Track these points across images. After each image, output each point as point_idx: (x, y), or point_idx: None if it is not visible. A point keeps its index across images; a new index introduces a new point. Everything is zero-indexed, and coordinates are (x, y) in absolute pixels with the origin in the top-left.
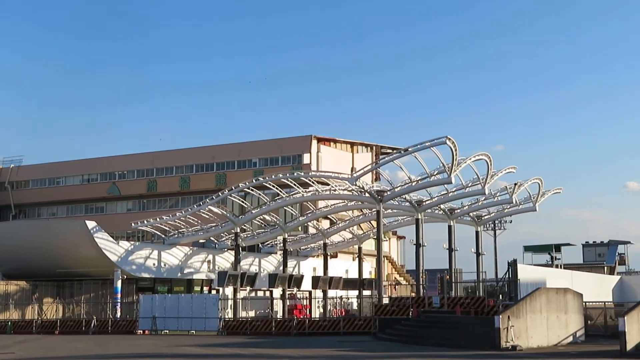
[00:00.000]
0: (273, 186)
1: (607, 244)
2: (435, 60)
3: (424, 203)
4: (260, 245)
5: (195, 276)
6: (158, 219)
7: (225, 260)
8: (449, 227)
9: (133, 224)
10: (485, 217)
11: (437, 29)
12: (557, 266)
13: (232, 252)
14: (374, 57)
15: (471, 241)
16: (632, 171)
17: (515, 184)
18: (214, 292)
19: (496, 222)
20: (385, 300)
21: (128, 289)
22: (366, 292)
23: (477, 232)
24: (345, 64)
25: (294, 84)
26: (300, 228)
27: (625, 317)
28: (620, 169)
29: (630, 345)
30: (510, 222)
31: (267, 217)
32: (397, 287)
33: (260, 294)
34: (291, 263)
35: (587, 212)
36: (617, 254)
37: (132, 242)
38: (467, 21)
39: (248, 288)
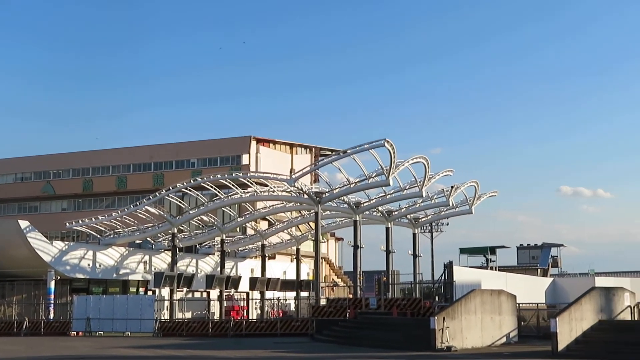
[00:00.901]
0: (211, 187)
1: (540, 247)
2: (374, 61)
3: (362, 205)
4: (197, 246)
5: (131, 277)
6: (93, 219)
7: (162, 261)
8: (387, 229)
9: (68, 224)
10: (423, 219)
11: (372, 27)
12: (492, 268)
13: (169, 253)
14: (312, 58)
15: (408, 243)
16: (566, 176)
17: (452, 187)
18: (150, 293)
19: (433, 224)
20: (323, 302)
21: (62, 290)
22: (304, 294)
23: (414, 234)
24: (286, 65)
25: (234, 84)
26: (238, 229)
27: (557, 318)
28: (554, 173)
29: (561, 345)
30: (447, 224)
31: (205, 218)
32: (334, 288)
33: (197, 295)
34: (229, 264)
35: (522, 215)
36: (550, 256)
37: (66, 242)
38: (402, 19)
39: (185, 289)
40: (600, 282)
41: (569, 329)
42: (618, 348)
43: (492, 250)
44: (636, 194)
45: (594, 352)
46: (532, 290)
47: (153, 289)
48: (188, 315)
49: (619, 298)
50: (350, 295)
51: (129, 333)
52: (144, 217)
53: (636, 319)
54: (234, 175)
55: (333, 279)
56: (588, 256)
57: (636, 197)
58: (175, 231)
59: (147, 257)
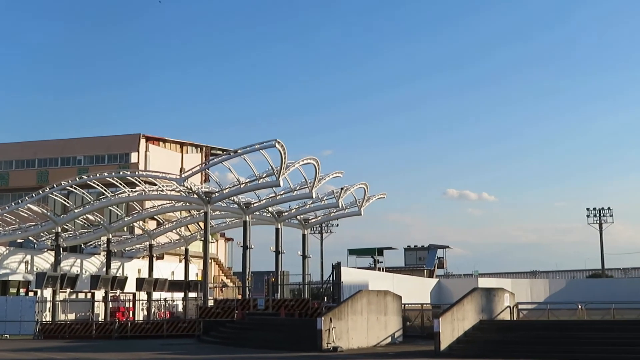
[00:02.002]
0: (98, 185)
1: (427, 248)
2: (267, 63)
3: (252, 205)
4: (82, 246)
5: (11, 277)
6: None
7: (44, 261)
8: (277, 229)
9: None
10: (312, 220)
11: (271, 31)
12: (379, 269)
13: (52, 253)
14: (205, 57)
15: (298, 244)
16: (452, 179)
17: (342, 189)
18: (31, 294)
19: (323, 225)
20: (211, 303)
21: None
22: (192, 295)
23: (304, 235)
24: (177, 63)
25: (123, 81)
26: (125, 229)
27: (440, 319)
28: (440, 176)
29: (444, 345)
30: (337, 225)
31: (91, 217)
32: (224, 289)
33: (81, 296)
34: (115, 264)
35: (410, 217)
36: (436, 257)
37: None
38: (299, 25)
39: (68, 290)
40: (483, 283)
41: (452, 328)
42: (498, 347)
43: (380, 251)
44: (518, 197)
45: (474, 351)
46: (418, 290)
47: (35, 289)
48: (71, 316)
49: (499, 298)
50: (240, 296)
51: (8, 336)
52: (26, 215)
53: (515, 318)
54: (121, 173)
55: (222, 280)
56: (473, 258)
57: (518, 200)
58: (59, 230)
59: (28, 257)
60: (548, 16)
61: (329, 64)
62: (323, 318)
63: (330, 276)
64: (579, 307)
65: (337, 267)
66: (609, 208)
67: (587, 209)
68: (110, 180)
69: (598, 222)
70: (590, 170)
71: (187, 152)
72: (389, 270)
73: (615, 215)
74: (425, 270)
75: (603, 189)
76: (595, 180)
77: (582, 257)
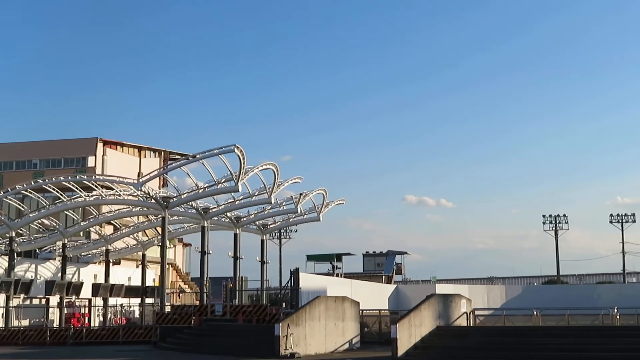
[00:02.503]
0: (54, 189)
1: (385, 254)
2: (227, 71)
3: (211, 210)
4: (37, 251)
5: None
6: None
7: None
8: (235, 235)
9: None
10: (271, 225)
11: (230, 41)
12: (338, 275)
13: (6, 258)
14: (165, 64)
15: (257, 249)
16: (411, 185)
17: (301, 194)
18: None
19: (282, 231)
20: (169, 309)
21: None
22: (149, 300)
23: (262, 241)
24: (139, 70)
25: (81, 86)
26: (82, 233)
27: (398, 325)
28: (399, 182)
29: (401, 351)
30: (296, 231)
31: (46, 222)
32: (181, 295)
33: (36, 302)
34: (70, 270)
35: (369, 223)
36: (394, 263)
37: None
38: (257, 35)
39: (22, 296)
40: (441, 289)
41: (409, 334)
42: (454, 353)
43: (339, 257)
44: (476, 204)
45: (431, 357)
46: (376, 296)
47: None
48: (25, 323)
49: (456, 305)
50: (197, 302)
51: None
52: None
53: (472, 324)
54: (78, 177)
55: (180, 286)
56: (431, 263)
57: (476, 207)
58: (14, 235)
59: None
60: (502, 31)
61: (287, 72)
62: (281, 324)
63: (288, 282)
64: (535, 313)
65: (295, 273)
66: (564, 215)
67: (543, 216)
68: (67, 184)
69: (554, 228)
70: (547, 178)
71: (145, 157)
72: (348, 276)
73: (571, 222)
74: (383, 276)
75: (559, 196)
76: (552, 188)
77: (538, 263)
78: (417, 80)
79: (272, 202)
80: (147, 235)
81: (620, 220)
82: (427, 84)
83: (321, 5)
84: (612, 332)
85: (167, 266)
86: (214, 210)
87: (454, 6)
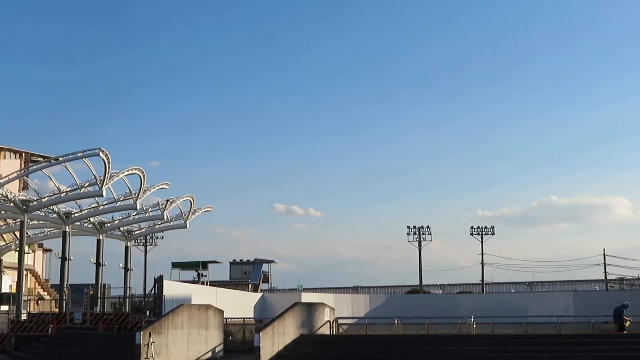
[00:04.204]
0: None
1: (252, 262)
2: (96, 70)
3: (73, 215)
4: None
5: None
6: None
7: None
8: (98, 240)
9: None
10: (136, 232)
11: (103, 38)
12: (203, 283)
13: None
14: (29, 61)
15: (122, 256)
16: (279, 194)
17: (168, 201)
18: None
19: (147, 237)
20: (25, 316)
21: None
22: (4, 307)
23: (126, 247)
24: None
25: None
26: None
27: (261, 333)
28: (268, 191)
29: (264, 359)
30: (162, 238)
31: None
32: (40, 302)
33: None
34: None
35: (237, 231)
36: (261, 272)
37: None
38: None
39: None
40: (307, 297)
41: (272, 343)
42: None
43: (205, 265)
44: (344, 214)
45: None
46: (241, 305)
47: None
48: None
49: (319, 313)
50: (57, 310)
51: None
52: None
53: (335, 333)
54: None
55: (38, 292)
56: (298, 272)
57: (344, 217)
58: None
59: None
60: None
61: (155, 70)
62: (142, 332)
63: (151, 289)
64: (396, 321)
65: (159, 281)
66: (428, 226)
67: (408, 227)
68: None
69: (417, 239)
70: (413, 190)
71: (4, 158)
72: (214, 284)
73: (434, 234)
74: (250, 285)
75: (424, 208)
76: (417, 200)
77: (402, 273)
78: (289, 88)
79: (138, 207)
80: (4, 240)
81: (480, 233)
82: (295, 93)
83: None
84: (467, 341)
85: (25, 272)
86: (76, 215)
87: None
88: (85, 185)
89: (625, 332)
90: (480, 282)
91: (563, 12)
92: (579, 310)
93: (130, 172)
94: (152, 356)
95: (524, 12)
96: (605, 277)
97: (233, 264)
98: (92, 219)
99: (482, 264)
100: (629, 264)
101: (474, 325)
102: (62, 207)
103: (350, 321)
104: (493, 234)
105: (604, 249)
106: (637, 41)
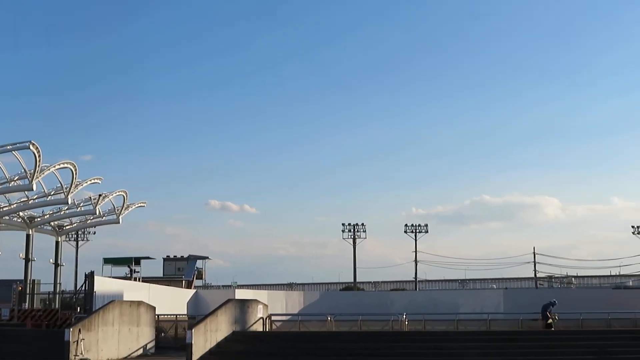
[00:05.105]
0: None
1: (186, 259)
2: (26, 64)
3: (1, 209)
4: None
5: None
6: None
7: None
8: (28, 235)
9: None
10: (68, 227)
11: (29, 34)
12: (136, 279)
13: None
14: None
15: (52, 251)
16: (214, 190)
17: (100, 195)
18: None
19: (79, 232)
20: None
21: None
22: None
23: (57, 242)
24: None
25: None
26: None
27: (193, 330)
28: (203, 186)
29: (195, 356)
30: (94, 233)
31: None
32: None
33: None
34: None
35: (171, 227)
36: (195, 268)
37: None
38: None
39: None
40: (241, 294)
41: (204, 339)
42: (249, 358)
43: (137, 261)
44: (280, 210)
45: None
46: (175, 301)
47: None
48: None
49: (253, 310)
50: None
51: None
52: None
53: (268, 329)
54: None
55: None
56: (233, 269)
57: (280, 213)
58: None
59: None
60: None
61: (91, 65)
62: (72, 329)
63: (82, 285)
64: (329, 318)
65: (90, 276)
66: (362, 224)
67: (343, 224)
68: None
69: (352, 237)
70: (348, 187)
71: None
72: (147, 280)
73: (369, 231)
74: (184, 281)
75: (359, 205)
76: (352, 197)
77: (337, 270)
78: (224, 85)
79: (69, 202)
80: None
81: (414, 231)
82: (236, 90)
83: None
84: (399, 338)
85: None
86: (4, 209)
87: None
88: (15, 178)
89: (553, 328)
90: (414, 279)
91: (496, 14)
92: (509, 308)
93: (61, 165)
94: (81, 353)
95: (455, 12)
96: (535, 275)
97: (166, 260)
98: (21, 213)
99: (416, 261)
100: (558, 262)
101: (406, 322)
102: None
103: (283, 318)
104: (427, 232)
105: (534, 248)
106: (569, 42)
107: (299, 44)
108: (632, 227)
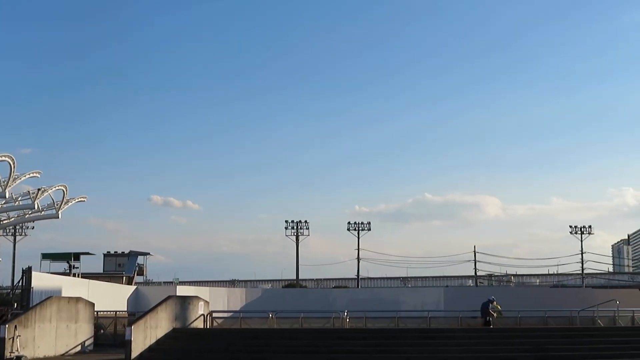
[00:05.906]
0: None
1: (127, 255)
2: None
3: None
4: None
5: None
6: None
7: None
8: None
9: None
10: (5, 221)
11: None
12: (75, 275)
13: None
14: None
15: None
16: (156, 185)
17: (39, 190)
18: None
19: (17, 227)
20: None
21: None
22: None
23: None
24: None
25: None
26: None
27: (132, 326)
28: (145, 181)
29: (135, 353)
30: (33, 228)
31: None
32: None
33: None
34: None
35: (112, 223)
36: (136, 264)
37: None
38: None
39: None
40: (182, 291)
41: (144, 336)
42: (189, 355)
43: (77, 256)
44: (223, 207)
45: (165, 359)
46: (115, 298)
47: None
48: None
49: (194, 307)
50: None
51: None
52: None
53: (209, 326)
54: None
55: None
56: (175, 265)
57: (223, 210)
58: None
59: None
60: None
61: (32, 57)
62: (7, 325)
63: (19, 281)
64: (270, 315)
65: (27, 272)
66: (306, 221)
67: (286, 221)
68: None
69: (295, 234)
70: (292, 185)
71: None
72: (86, 276)
73: (312, 229)
74: (124, 277)
75: (302, 203)
76: (295, 195)
77: (280, 267)
78: (166, 82)
79: (7, 196)
80: None
81: (357, 228)
82: (176, 86)
83: None
84: (340, 334)
85: None
86: None
87: None
88: None
89: (492, 326)
90: (357, 277)
91: (440, 18)
92: (449, 305)
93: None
94: (17, 350)
95: (408, 12)
96: (475, 273)
97: (107, 255)
98: None
99: (358, 259)
100: (498, 260)
101: (347, 320)
102: None
103: (225, 315)
104: (370, 229)
105: (474, 246)
106: (510, 48)
107: (248, 43)
108: (570, 227)
